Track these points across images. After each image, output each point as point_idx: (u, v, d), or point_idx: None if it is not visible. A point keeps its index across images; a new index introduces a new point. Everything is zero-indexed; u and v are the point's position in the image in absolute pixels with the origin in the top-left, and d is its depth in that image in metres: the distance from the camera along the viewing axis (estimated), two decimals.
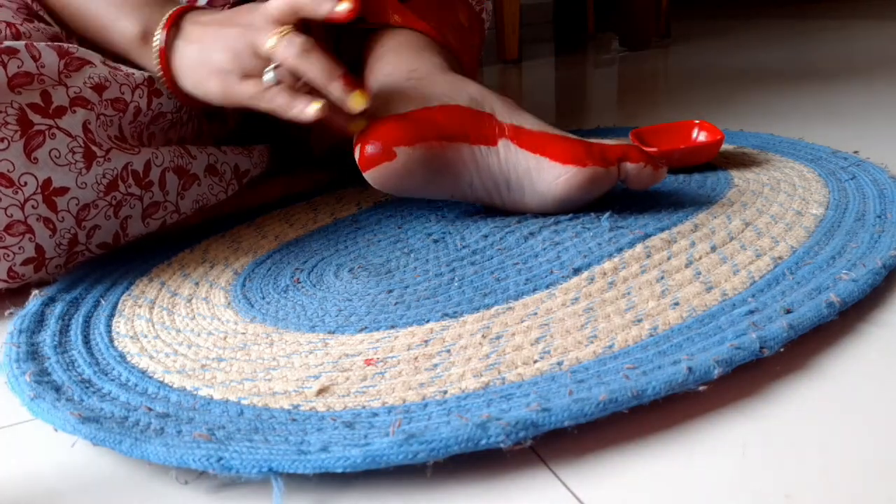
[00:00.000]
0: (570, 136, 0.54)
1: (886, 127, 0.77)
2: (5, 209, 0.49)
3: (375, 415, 0.34)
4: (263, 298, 0.50)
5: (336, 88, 0.51)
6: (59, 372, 0.41)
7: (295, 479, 0.31)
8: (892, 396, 0.33)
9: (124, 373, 0.41)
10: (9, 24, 0.53)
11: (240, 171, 0.67)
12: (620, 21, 1.62)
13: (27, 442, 0.37)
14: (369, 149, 0.53)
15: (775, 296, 0.40)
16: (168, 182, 0.59)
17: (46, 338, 0.45)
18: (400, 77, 0.60)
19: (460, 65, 0.69)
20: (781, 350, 0.35)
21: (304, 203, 0.71)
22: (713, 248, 0.48)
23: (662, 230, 0.52)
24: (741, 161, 0.68)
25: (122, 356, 0.43)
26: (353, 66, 0.70)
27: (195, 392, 0.38)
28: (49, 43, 0.53)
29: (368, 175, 0.54)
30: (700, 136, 0.70)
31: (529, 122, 0.55)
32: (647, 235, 0.51)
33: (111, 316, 0.49)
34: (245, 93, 0.54)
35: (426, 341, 0.41)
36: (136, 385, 0.39)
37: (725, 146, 0.73)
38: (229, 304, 0.49)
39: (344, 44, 0.73)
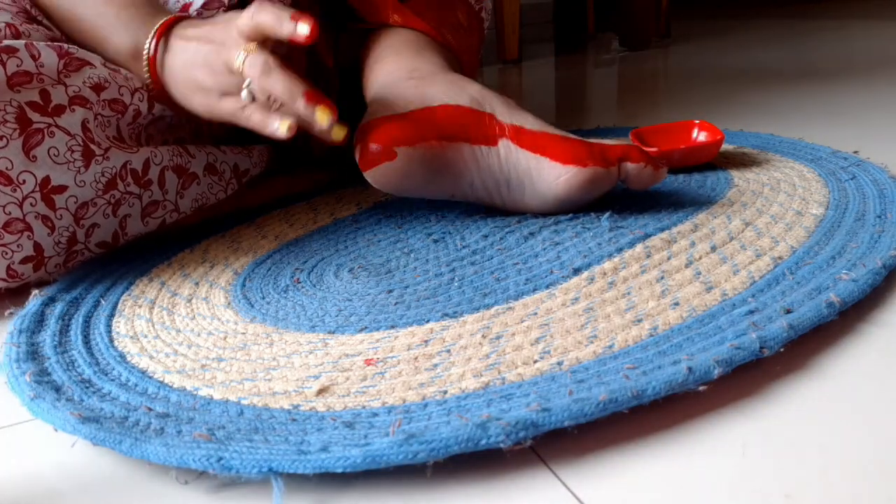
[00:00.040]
0: (571, 136, 0.54)
1: (886, 127, 0.77)
2: (3, 207, 0.49)
3: (375, 415, 0.34)
4: (263, 298, 0.50)
5: (300, 106, 0.50)
6: (59, 372, 0.41)
7: (295, 479, 0.31)
8: (892, 396, 0.33)
9: (124, 373, 0.41)
10: (9, 25, 0.53)
11: (239, 170, 0.67)
12: (620, 21, 1.62)
13: (27, 442, 0.37)
14: (370, 149, 0.53)
15: (775, 296, 0.40)
16: (167, 181, 0.59)
17: (46, 338, 0.45)
18: (400, 77, 0.60)
19: (460, 64, 0.69)
20: (781, 350, 0.35)
21: (304, 203, 0.71)
22: (713, 248, 0.48)
23: (662, 230, 0.52)
24: (741, 161, 0.68)
25: (122, 356, 0.43)
26: (352, 66, 0.70)
27: (195, 392, 0.38)
28: (49, 43, 0.53)
29: (369, 175, 0.54)
30: (700, 136, 0.70)
31: (530, 122, 0.55)
32: (647, 235, 0.51)
33: (111, 316, 0.49)
34: (225, 110, 0.54)
35: (426, 341, 0.41)
36: (136, 385, 0.39)
37: (725, 146, 0.73)
38: (229, 304, 0.49)
39: (343, 44, 0.73)
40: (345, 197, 0.71)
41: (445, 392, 0.35)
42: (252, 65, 0.50)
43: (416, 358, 0.39)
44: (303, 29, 0.48)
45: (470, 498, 0.30)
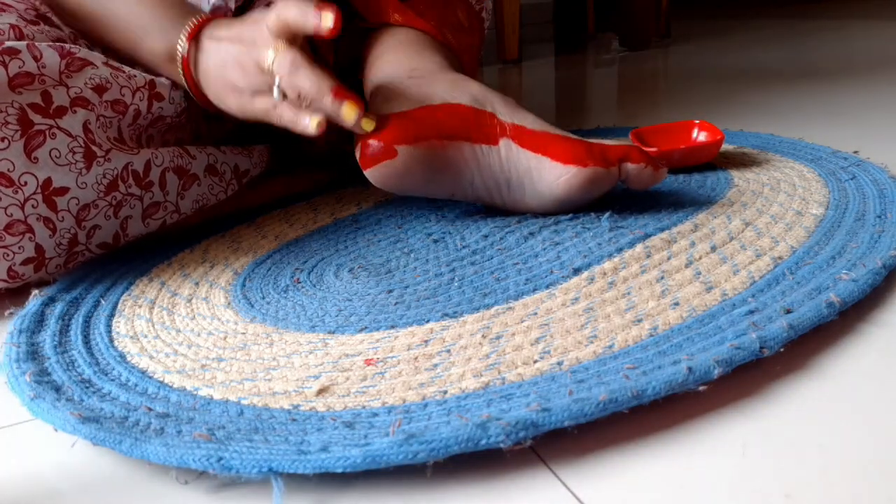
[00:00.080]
0: (571, 136, 0.54)
1: (886, 127, 0.77)
2: (5, 209, 0.49)
3: (375, 415, 0.34)
4: (263, 298, 0.50)
5: (327, 103, 0.51)
6: (59, 372, 0.41)
7: (295, 479, 0.31)
8: (892, 396, 0.33)
9: (124, 373, 0.41)
10: (13, 27, 0.53)
11: (240, 170, 0.67)
12: (620, 21, 1.62)
13: (27, 442, 0.37)
14: (370, 147, 0.53)
15: (775, 296, 0.40)
16: (168, 182, 0.59)
17: (46, 338, 0.45)
18: (401, 76, 0.60)
19: (460, 64, 0.69)
20: (781, 350, 0.35)
21: (304, 203, 0.71)
22: (713, 248, 0.48)
23: (662, 230, 0.52)
24: (741, 161, 0.68)
25: (122, 356, 0.43)
26: (353, 66, 0.70)
27: (195, 392, 0.38)
28: (50, 43, 0.53)
29: (369, 173, 0.54)
30: (700, 136, 0.70)
31: (531, 122, 0.55)
32: (647, 235, 0.51)
33: (111, 316, 0.49)
34: (258, 109, 0.55)
35: (426, 341, 0.41)
36: (136, 385, 0.39)
37: (725, 146, 0.73)
38: (229, 304, 0.49)
39: (344, 43, 0.73)
40: (345, 197, 0.71)
41: (445, 392, 0.35)
42: (281, 63, 0.51)
43: (416, 358, 0.39)
44: (327, 21, 0.49)
45: (470, 498, 0.30)
